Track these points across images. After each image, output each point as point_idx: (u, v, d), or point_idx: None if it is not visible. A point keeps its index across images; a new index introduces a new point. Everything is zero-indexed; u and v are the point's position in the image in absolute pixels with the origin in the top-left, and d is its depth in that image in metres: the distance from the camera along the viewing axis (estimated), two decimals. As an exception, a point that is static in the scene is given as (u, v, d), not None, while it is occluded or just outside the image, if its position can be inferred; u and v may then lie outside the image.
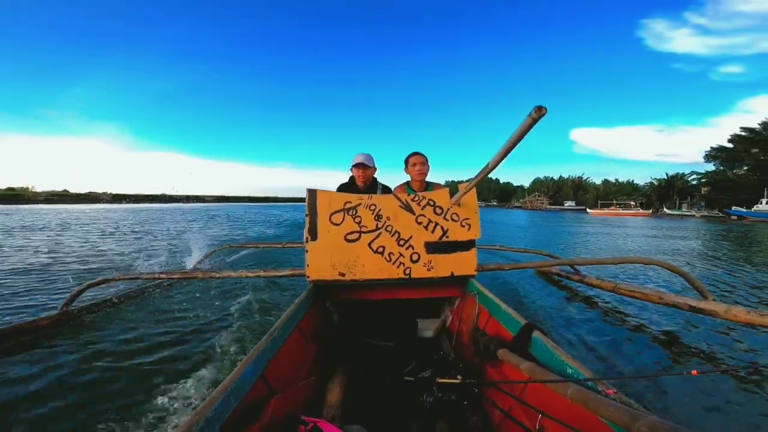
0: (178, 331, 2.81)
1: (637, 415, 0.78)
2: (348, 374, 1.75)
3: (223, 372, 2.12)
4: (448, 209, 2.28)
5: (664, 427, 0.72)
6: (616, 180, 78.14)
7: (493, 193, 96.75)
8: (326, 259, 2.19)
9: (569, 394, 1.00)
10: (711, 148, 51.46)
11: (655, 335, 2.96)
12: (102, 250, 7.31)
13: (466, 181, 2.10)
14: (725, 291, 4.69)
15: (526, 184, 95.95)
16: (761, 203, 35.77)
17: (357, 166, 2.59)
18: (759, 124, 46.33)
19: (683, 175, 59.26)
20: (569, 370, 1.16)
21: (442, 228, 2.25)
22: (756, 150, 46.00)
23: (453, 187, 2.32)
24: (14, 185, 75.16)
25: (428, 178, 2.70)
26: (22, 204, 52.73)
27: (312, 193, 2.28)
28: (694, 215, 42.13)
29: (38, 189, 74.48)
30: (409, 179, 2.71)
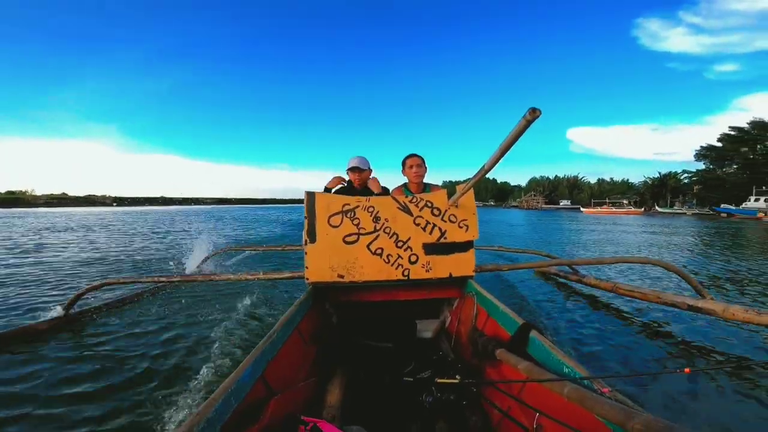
0: (178, 334, 2.82)
1: (632, 413, 0.80)
2: (347, 375, 1.76)
3: (223, 374, 2.13)
4: (446, 210, 2.29)
5: (658, 424, 0.74)
6: (611, 179, 79.08)
7: (490, 193, 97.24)
8: (325, 261, 2.19)
9: (566, 393, 1.01)
10: (701, 147, 52.10)
11: (652, 334, 2.99)
12: (138, 248, 8.14)
13: (464, 182, 2.11)
14: (711, 282, 4.86)
15: (523, 183, 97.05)
16: (749, 201, 36.34)
17: (352, 169, 2.61)
18: (747, 123, 47.05)
19: (675, 173, 60.02)
20: (566, 370, 1.18)
21: (440, 229, 2.26)
22: (745, 149, 46.70)
23: (451, 188, 2.33)
24: (13, 188, 74.43)
25: (426, 180, 2.72)
26: (22, 207, 51.94)
27: (311, 195, 2.28)
28: (685, 213, 42.60)
29: (37, 192, 73.72)
30: (407, 181, 2.72)
